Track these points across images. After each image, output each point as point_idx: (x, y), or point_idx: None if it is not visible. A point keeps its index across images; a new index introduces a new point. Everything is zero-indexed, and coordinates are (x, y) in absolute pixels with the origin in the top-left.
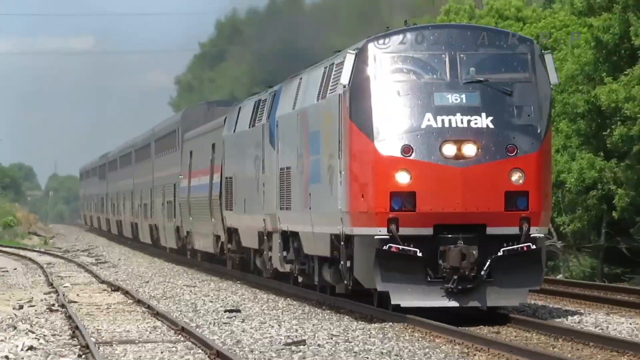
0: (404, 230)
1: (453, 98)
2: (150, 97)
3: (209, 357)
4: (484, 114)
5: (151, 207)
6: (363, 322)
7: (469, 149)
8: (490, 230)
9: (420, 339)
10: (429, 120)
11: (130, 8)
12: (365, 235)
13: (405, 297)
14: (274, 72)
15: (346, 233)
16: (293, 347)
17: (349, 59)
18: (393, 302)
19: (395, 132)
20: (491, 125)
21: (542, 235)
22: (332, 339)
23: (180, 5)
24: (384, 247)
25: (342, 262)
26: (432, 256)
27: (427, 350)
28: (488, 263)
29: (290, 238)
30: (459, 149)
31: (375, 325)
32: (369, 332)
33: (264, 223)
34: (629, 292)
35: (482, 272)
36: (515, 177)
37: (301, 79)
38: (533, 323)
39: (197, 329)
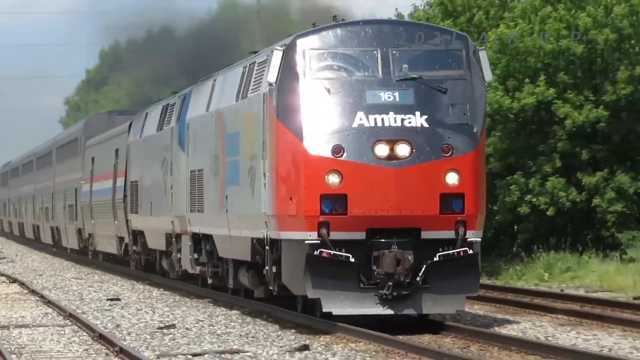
0: (335, 235)
1: (386, 96)
2: (43, 115)
3: (92, 339)
4: (417, 113)
5: (52, 210)
6: (225, 309)
7: (403, 149)
8: (425, 235)
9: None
10: (360, 119)
11: (31, 39)
12: (294, 239)
13: (337, 305)
14: (150, 94)
15: (272, 237)
16: (164, 330)
17: (276, 56)
18: (325, 309)
19: (326, 131)
20: (425, 125)
21: (479, 239)
22: (198, 323)
23: (73, 38)
24: (315, 252)
25: (267, 268)
26: (365, 261)
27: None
28: (423, 269)
29: (202, 240)
30: (392, 149)
31: (235, 311)
32: (230, 317)
33: (172, 225)
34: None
35: (418, 278)
36: (451, 178)
37: (215, 80)
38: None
39: (83, 315)
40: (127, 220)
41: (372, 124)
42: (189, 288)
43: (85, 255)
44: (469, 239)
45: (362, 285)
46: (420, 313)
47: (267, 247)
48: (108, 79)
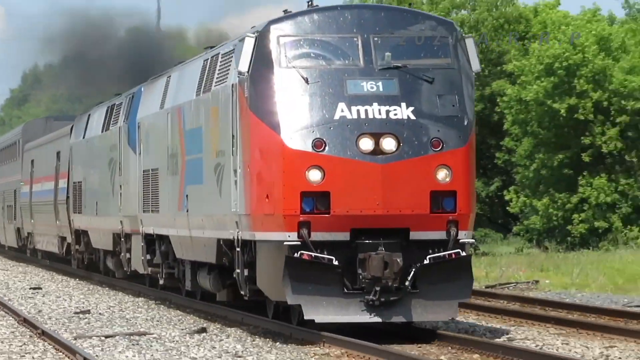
0: (316, 236)
1: (368, 86)
2: None
3: (17, 322)
4: (403, 104)
5: None
6: (133, 297)
7: (389, 143)
8: (414, 235)
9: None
10: (342, 110)
11: None
12: (271, 240)
13: (319, 312)
14: (65, 109)
15: (244, 238)
16: (80, 315)
17: (248, 43)
18: (306, 316)
19: (305, 124)
20: (412, 117)
21: (472, 240)
22: (109, 309)
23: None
24: (295, 255)
25: (238, 271)
26: (350, 265)
27: None
28: (412, 272)
29: (156, 241)
30: (377, 143)
31: (142, 298)
32: (137, 304)
33: (121, 225)
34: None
35: (407, 283)
36: (442, 174)
37: (169, 77)
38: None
39: (9, 302)
40: (70, 221)
41: (355, 116)
42: (100, 278)
43: (23, 253)
44: (461, 240)
45: (346, 291)
46: (410, 321)
47: (237, 249)
48: (29, 96)
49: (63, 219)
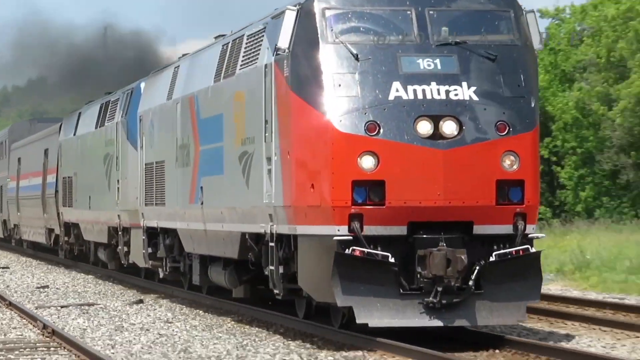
0: (369, 230)
1: (425, 63)
2: None
3: None
4: (464, 84)
5: None
6: (84, 274)
7: (450, 127)
8: (478, 229)
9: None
10: (397, 90)
11: None
12: (316, 235)
13: (373, 315)
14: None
15: (280, 232)
16: (41, 289)
17: (289, 17)
18: (359, 320)
19: (356, 105)
20: (475, 97)
21: (542, 235)
22: (65, 284)
23: None
24: (346, 251)
25: (271, 267)
26: (407, 262)
27: None
28: (476, 271)
29: (160, 235)
30: (436, 127)
31: (91, 276)
32: (87, 280)
33: (119, 218)
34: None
35: (470, 282)
36: (508, 162)
37: (177, 67)
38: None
39: None
40: (59, 214)
41: (412, 97)
42: (57, 260)
43: (8, 242)
44: (529, 235)
45: (402, 291)
46: (475, 325)
47: (271, 244)
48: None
49: (51, 212)
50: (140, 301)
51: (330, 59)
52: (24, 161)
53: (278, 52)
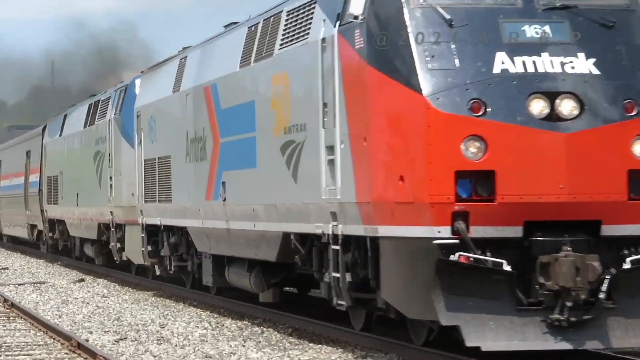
0: (476, 231)
1: (532, 30)
2: None
3: None
4: (581, 55)
5: None
6: (36, 258)
7: (568, 106)
8: (607, 230)
9: None
10: (502, 62)
11: None
12: (408, 238)
13: (487, 336)
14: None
15: (347, 233)
16: (2, 271)
17: None
18: (469, 343)
19: (455, 80)
20: (596, 71)
21: None
22: (21, 266)
23: None
24: (451, 257)
25: (335, 274)
26: (522, 270)
27: None
28: (607, 281)
29: (163, 233)
30: (553, 107)
31: (42, 260)
32: (39, 263)
33: (111, 215)
34: None
35: (601, 295)
36: None
37: (184, 58)
38: None
39: None
40: (42, 211)
41: (521, 69)
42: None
43: None
44: None
45: (519, 307)
46: (609, 347)
47: (335, 247)
48: None
49: (34, 209)
50: (82, 280)
51: (419, 26)
52: (5, 163)
53: (344, 22)
